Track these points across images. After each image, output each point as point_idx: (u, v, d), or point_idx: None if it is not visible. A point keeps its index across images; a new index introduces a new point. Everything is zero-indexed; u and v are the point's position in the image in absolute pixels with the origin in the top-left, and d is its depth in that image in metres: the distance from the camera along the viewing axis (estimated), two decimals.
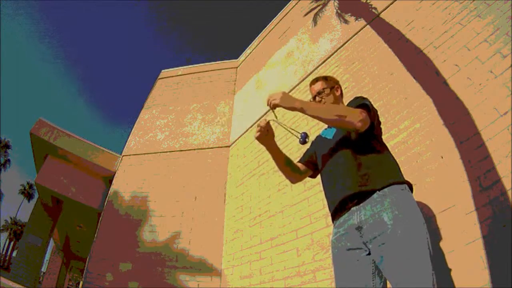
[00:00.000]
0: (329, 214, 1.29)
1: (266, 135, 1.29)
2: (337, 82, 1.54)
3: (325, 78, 1.53)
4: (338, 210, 1.21)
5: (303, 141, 1.24)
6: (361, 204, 1.13)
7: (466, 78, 2.18)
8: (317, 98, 1.48)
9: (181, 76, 6.27)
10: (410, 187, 1.18)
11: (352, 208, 1.15)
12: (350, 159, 1.21)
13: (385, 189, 1.10)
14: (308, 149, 1.57)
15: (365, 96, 1.38)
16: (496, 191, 1.70)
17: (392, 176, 1.15)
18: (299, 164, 1.51)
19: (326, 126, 1.55)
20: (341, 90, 1.53)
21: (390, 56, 2.93)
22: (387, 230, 1.02)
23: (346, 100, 1.60)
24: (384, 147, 1.28)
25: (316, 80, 1.53)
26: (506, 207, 1.63)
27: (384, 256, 1.02)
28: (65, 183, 5.75)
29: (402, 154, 2.32)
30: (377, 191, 1.10)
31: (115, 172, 5.28)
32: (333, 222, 1.27)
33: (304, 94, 3.81)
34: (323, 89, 1.47)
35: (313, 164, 1.50)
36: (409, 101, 2.53)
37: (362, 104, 1.25)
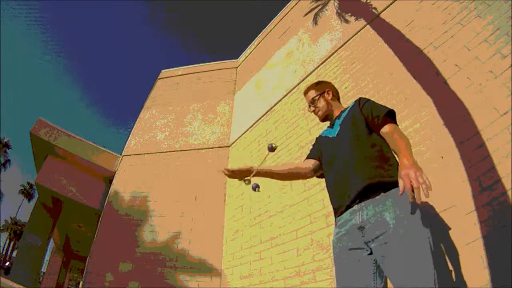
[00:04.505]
0: (329, 214, 1.30)
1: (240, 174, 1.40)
2: (328, 86, 1.62)
3: (316, 85, 1.63)
4: (341, 207, 1.22)
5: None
6: (363, 204, 1.13)
7: (466, 78, 2.17)
8: (311, 108, 1.60)
9: (181, 76, 6.27)
10: None
11: (354, 208, 1.16)
12: (357, 157, 1.22)
13: (388, 190, 1.11)
14: (314, 146, 1.59)
15: (366, 97, 1.40)
16: (496, 191, 1.70)
17: (395, 177, 1.16)
18: (311, 161, 1.52)
19: (326, 126, 1.56)
20: (333, 92, 1.61)
21: (390, 56, 2.93)
22: (389, 229, 1.03)
23: (346, 100, 1.60)
24: (389, 148, 1.29)
25: (308, 89, 1.63)
26: (506, 207, 1.63)
27: (386, 255, 1.02)
28: (65, 183, 5.75)
29: None
30: (382, 192, 1.11)
31: (115, 172, 5.28)
32: (335, 218, 1.28)
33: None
34: (313, 98, 1.59)
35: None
36: (409, 101, 2.53)
37: (391, 113, 1.38)
